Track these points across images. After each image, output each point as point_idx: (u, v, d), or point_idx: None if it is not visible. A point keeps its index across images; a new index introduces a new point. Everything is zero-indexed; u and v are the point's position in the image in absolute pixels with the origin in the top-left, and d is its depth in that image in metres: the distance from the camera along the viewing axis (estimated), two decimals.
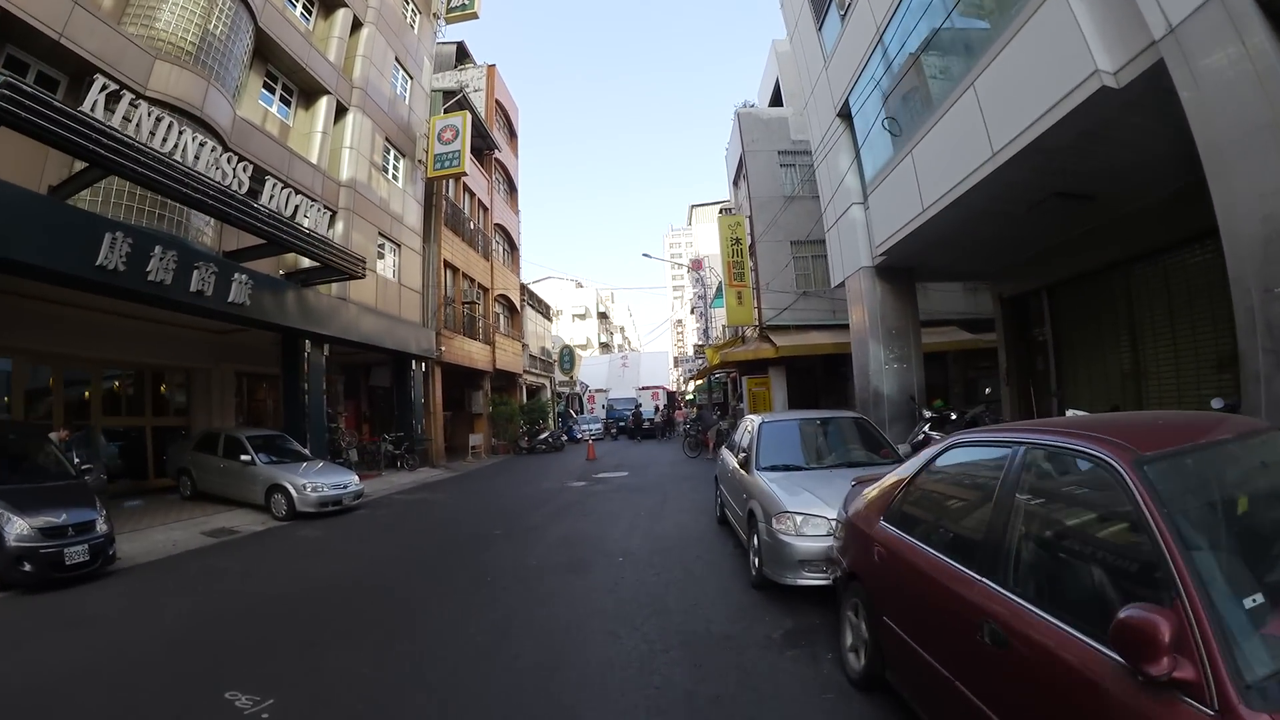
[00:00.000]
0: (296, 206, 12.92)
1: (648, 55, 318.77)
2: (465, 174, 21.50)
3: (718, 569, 6.17)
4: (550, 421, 32.39)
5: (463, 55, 32.49)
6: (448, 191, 23.89)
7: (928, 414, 10.64)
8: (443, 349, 20.74)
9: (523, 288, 32.76)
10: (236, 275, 12.09)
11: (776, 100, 25.70)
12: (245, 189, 11.61)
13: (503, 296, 29.26)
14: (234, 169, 11.48)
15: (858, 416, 7.15)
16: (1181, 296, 9.27)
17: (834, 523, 4.75)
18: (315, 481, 11.66)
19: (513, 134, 34.25)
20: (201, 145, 10.78)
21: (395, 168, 20.51)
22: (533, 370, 33.82)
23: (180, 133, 10.30)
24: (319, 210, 13.60)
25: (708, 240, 45.35)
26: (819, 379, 23.98)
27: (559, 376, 38.60)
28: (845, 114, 12.60)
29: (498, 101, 30.92)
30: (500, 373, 27.35)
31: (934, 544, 2.85)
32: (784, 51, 25.77)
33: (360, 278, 14.75)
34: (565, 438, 29.11)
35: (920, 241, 10.36)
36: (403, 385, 19.65)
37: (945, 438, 9.66)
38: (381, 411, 22.51)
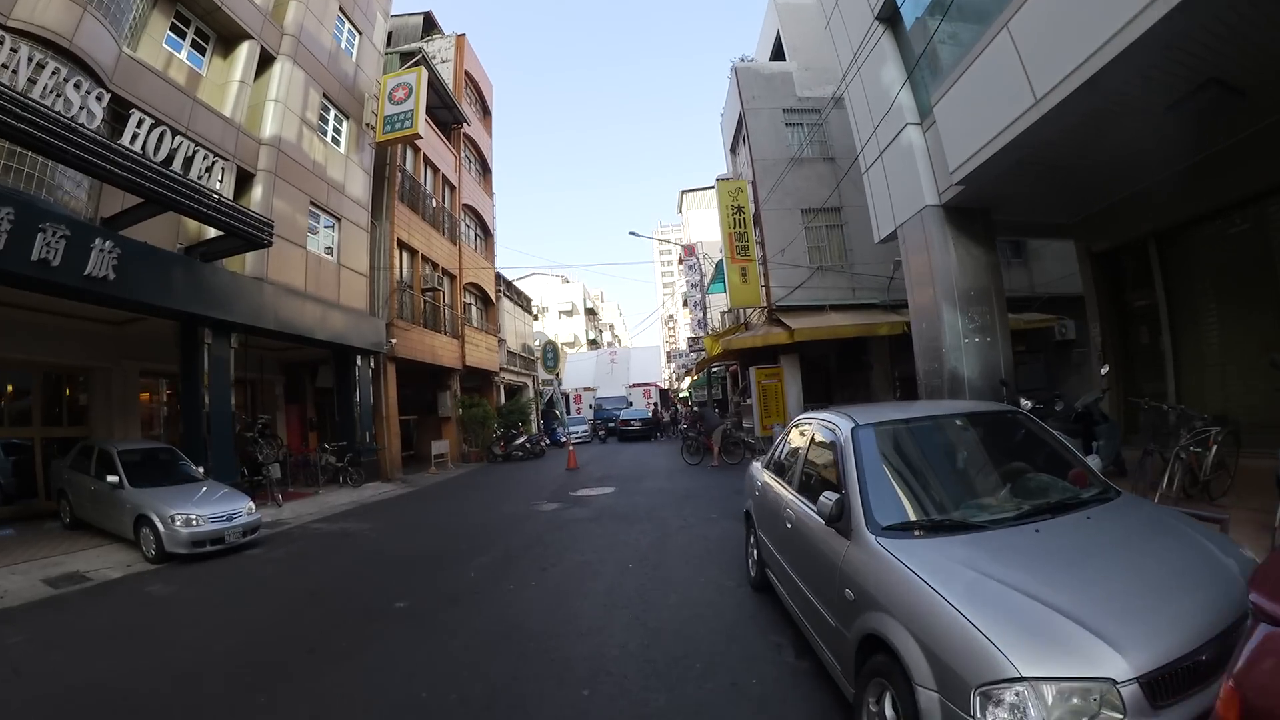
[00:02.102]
0: (174, 150, 10.07)
1: (635, 42, 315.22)
2: (419, 136, 18.28)
3: None
4: (532, 424, 29.19)
5: (430, 26, 29.35)
6: (404, 162, 20.69)
7: (1026, 404, 7.58)
8: (394, 341, 17.46)
9: (498, 277, 29.51)
10: (97, 242, 9.30)
11: (778, 58, 22.68)
12: (97, 121, 8.87)
13: (474, 286, 26.04)
14: (82, 96, 8.69)
15: (1011, 410, 3.98)
16: None
17: (1127, 686, 1.70)
18: (191, 512, 8.74)
19: (486, 111, 31.21)
20: (40, 67, 8.14)
21: (337, 130, 17.31)
22: (512, 368, 30.59)
23: (14, 51, 7.86)
24: (207, 158, 10.70)
25: (700, 228, 42.50)
26: (832, 370, 20.99)
27: (542, 375, 35.38)
28: (888, 15, 9.56)
29: (468, 74, 27.85)
30: (472, 371, 24.14)
31: None
32: (785, 2, 22.82)
33: (265, 245, 11.62)
34: (546, 442, 25.82)
35: (1016, 158, 7.33)
36: (345, 385, 16.39)
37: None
38: (330, 418, 19.34)
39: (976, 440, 3.62)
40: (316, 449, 16.11)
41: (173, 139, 10.06)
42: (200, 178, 10.57)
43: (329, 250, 16.06)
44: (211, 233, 11.61)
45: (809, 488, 3.64)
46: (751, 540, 5.14)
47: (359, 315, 16.43)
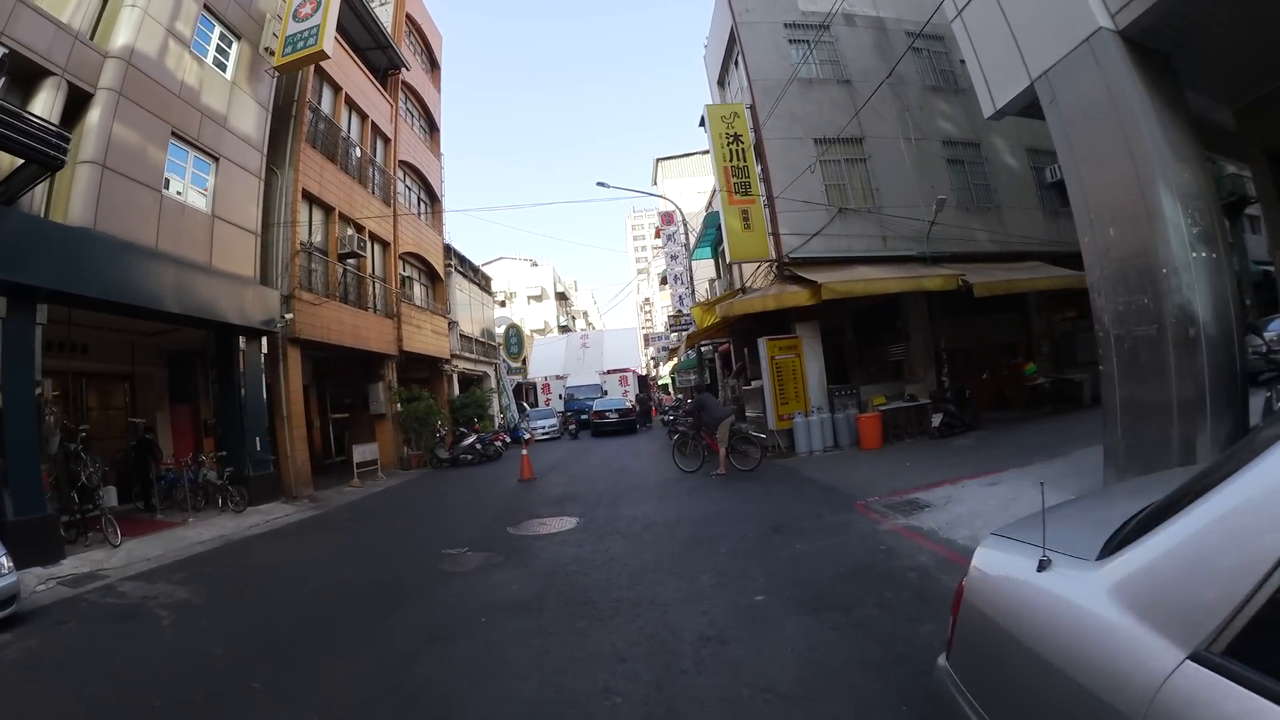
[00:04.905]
0: None
1: (606, 9, 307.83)
2: (326, 57, 14.28)
3: None
4: (493, 420, 25.38)
5: None
6: (319, 100, 16.70)
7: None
8: (291, 317, 13.48)
9: (448, 249, 25.58)
10: None
11: None
12: None
13: (416, 257, 22.08)
14: None
15: None
16: None
17: None
18: None
19: (434, 64, 27.42)
20: None
21: (222, 51, 13.31)
22: (467, 354, 26.69)
23: None
24: None
25: (679, 201, 38.89)
26: (848, 342, 17.57)
27: (506, 362, 31.54)
28: None
29: (411, 18, 24.03)
30: (414, 358, 20.25)
31: None
32: None
33: (55, 166, 7.76)
34: (505, 440, 21.91)
35: None
36: (227, 376, 12.43)
37: None
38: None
39: None
40: (195, 463, 12.18)
41: None
42: None
43: (200, 196, 12.10)
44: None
45: None
46: None
47: (243, 282, 12.46)
